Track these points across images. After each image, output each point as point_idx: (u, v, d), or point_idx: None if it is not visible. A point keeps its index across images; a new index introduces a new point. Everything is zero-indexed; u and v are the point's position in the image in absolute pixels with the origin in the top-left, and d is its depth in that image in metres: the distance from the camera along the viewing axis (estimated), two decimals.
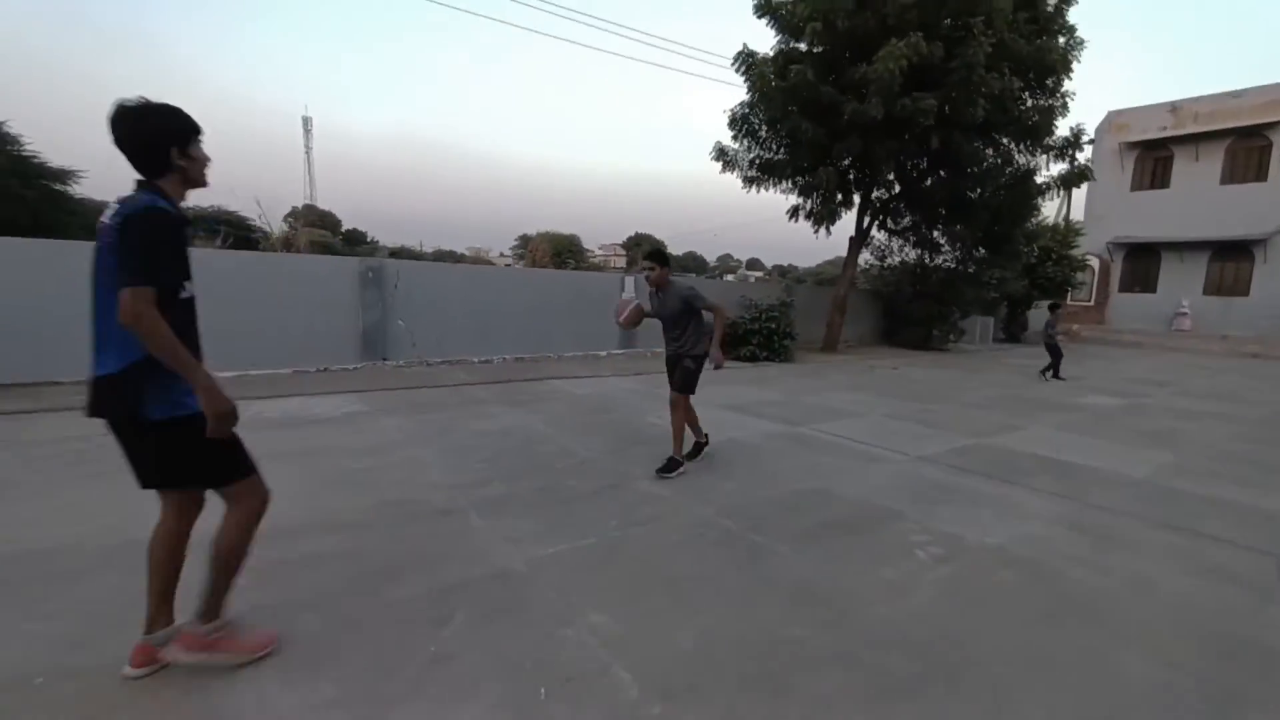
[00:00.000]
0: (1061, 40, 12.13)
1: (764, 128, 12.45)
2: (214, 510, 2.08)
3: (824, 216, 13.12)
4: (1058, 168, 13.25)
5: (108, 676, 1.97)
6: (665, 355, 4.54)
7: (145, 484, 1.99)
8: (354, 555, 2.90)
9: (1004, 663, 2.23)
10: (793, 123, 11.33)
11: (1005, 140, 12.64)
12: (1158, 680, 2.17)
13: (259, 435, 4.99)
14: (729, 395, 7.62)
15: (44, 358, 6.62)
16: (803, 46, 11.87)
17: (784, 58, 11.67)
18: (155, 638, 2.00)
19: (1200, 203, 21.60)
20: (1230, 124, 20.69)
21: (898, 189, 13.78)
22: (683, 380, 4.33)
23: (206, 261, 8.30)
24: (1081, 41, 12.20)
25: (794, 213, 13.67)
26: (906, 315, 15.39)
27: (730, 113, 12.52)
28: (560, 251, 35.25)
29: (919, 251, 15.22)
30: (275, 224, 20.48)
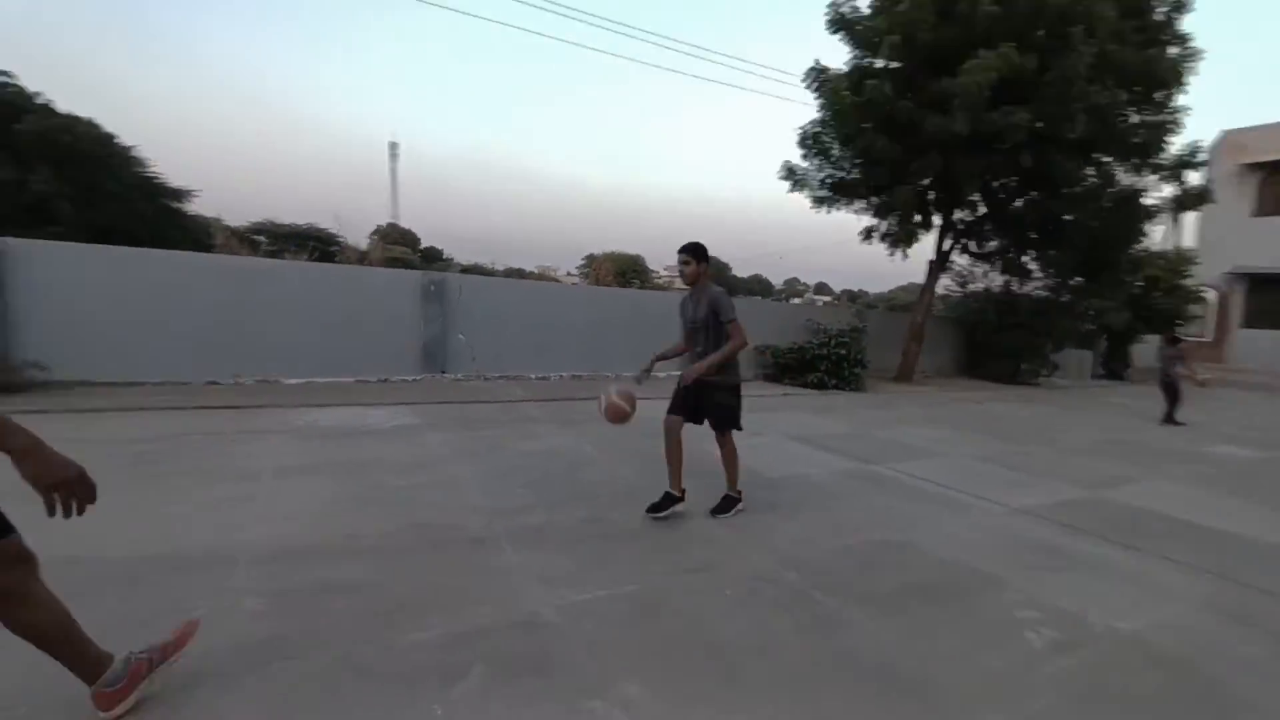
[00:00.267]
0: (1173, 51, 11.04)
1: (836, 145, 11.91)
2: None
3: (901, 238, 12.35)
4: (1168, 189, 12.01)
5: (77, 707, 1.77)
6: (682, 371, 3.77)
7: None
8: (375, 586, 2.65)
9: None
10: (867, 140, 10.76)
11: (1107, 159, 11.57)
12: None
13: (310, 444, 4.94)
14: (793, 424, 7.09)
15: (128, 359, 6.93)
16: (879, 62, 11.32)
17: (859, 73, 11.16)
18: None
19: None
20: None
21: (983, 210, 12.84)
22: (721, 417, 3.76)
23: (280, 272, 8.60)
24: (1196, 52, 11.06)
25: (868, 234, 12.98)
26: (991, 346, 14.24)
27: (800, 131, 12.08)
28: (624, 271, 35.43)
29: (1006, 278, 14.12)
30: (360, 241, 21.52)
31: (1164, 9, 11.10)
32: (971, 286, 14.97)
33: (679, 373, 3.84)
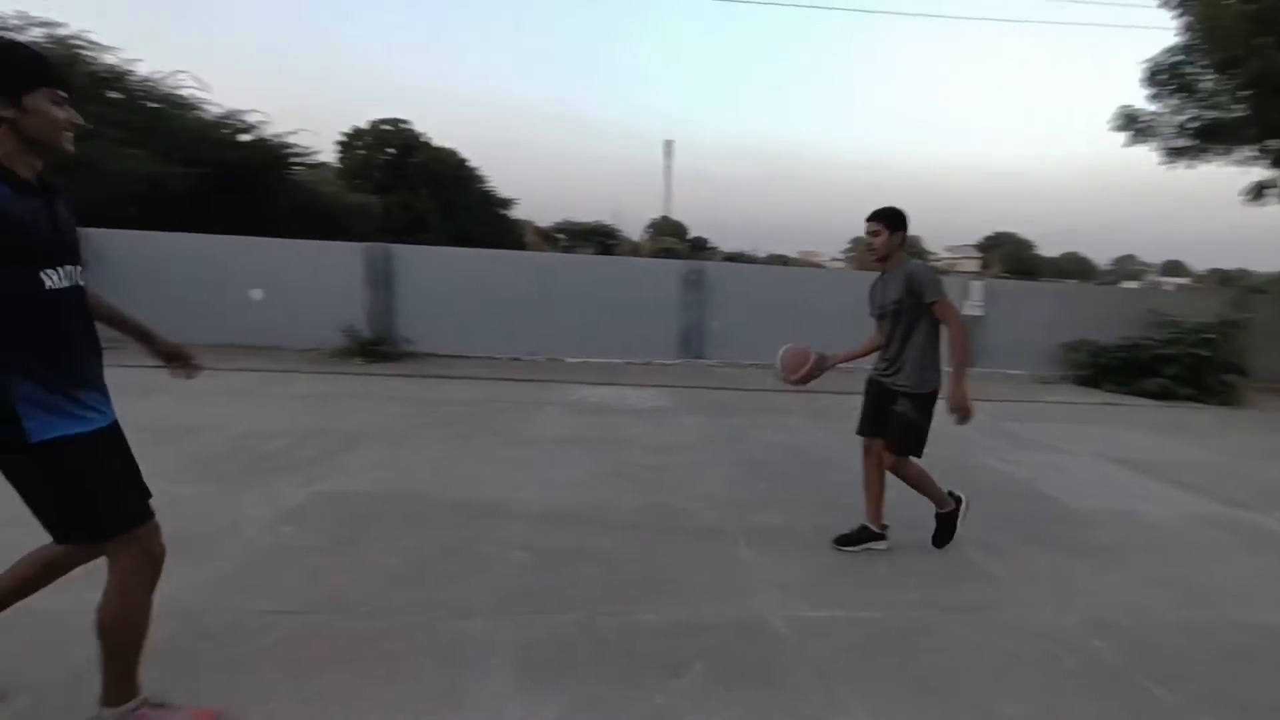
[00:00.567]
0: None
1: (1208, 76, 8.91)
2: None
3: None
4: None
5: (394, 616, 2.22)
6: (869, 375, 3.09)
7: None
8: (618, 560, 2.83)
9: None
10: (1266, 61, 7.78)
11: None
12: None
13: (579, 418, 5.57)
14: (1117, 443, 5.58)
15: (461, 337, 8.72)
16: None
17: None
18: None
19: None
20: None
21: None
22: (902, 435, 2.85)
23: (567, 265, 9.86)
24: None
25: (1258, 191, 9.51)
26: None
27: (1149, 65, 9.32)
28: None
29: None
30: (636, 234, 23.84)
31: None
32: None
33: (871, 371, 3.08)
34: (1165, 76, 9.26)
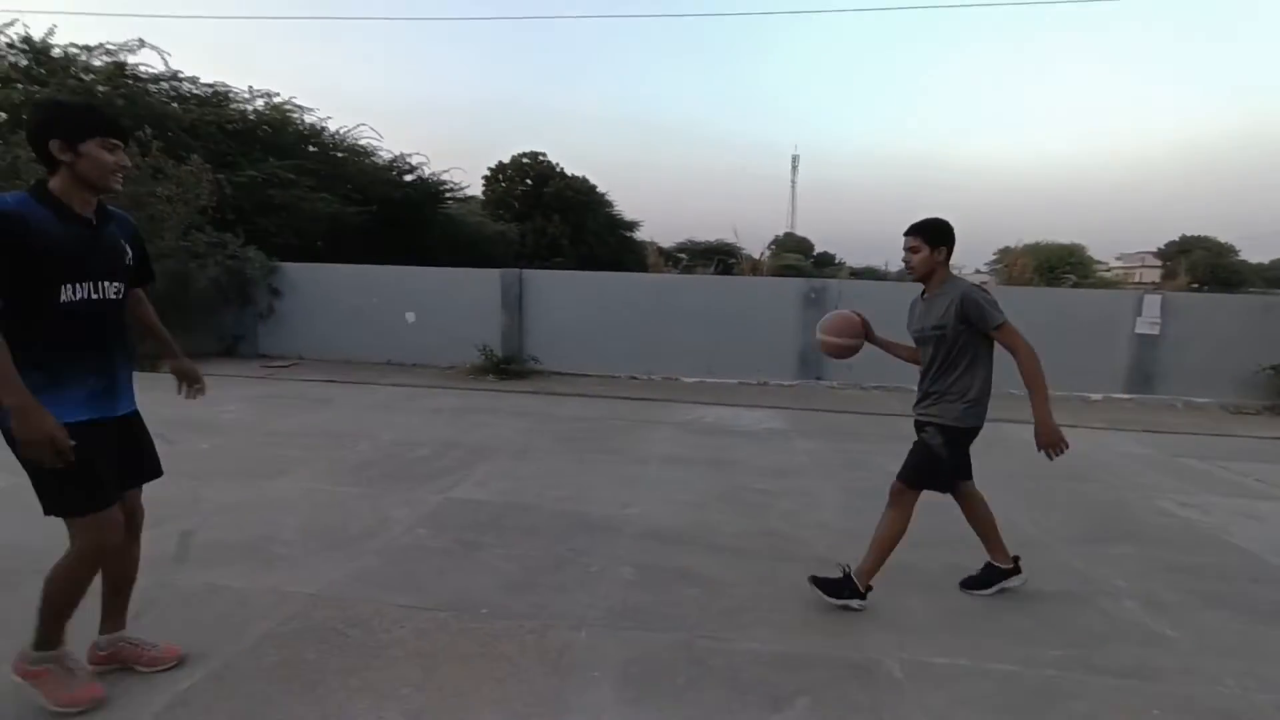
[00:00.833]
0: None
1: None
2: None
3: None
4: None
5: (510, 620, 2.38)
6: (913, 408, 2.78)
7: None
8: (722, 584, 2.82)
9: None
10: None
11: None
12: None
13: (691, 438, 5.60)
14: None
15: (583, 356, 9.13)
16: None
17: None
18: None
19: None
20: None
21: None
22: (916, 461, 2.60)
23: (686, 285, 9.99)
24: None
25: None
26: None
27: None
28: (1053, 265, 28.90)
29: None
30: (758, 251, 23.65)
31: None
32: None
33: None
34: None
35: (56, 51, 11.53)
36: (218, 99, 12.92)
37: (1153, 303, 8.34)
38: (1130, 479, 4.71)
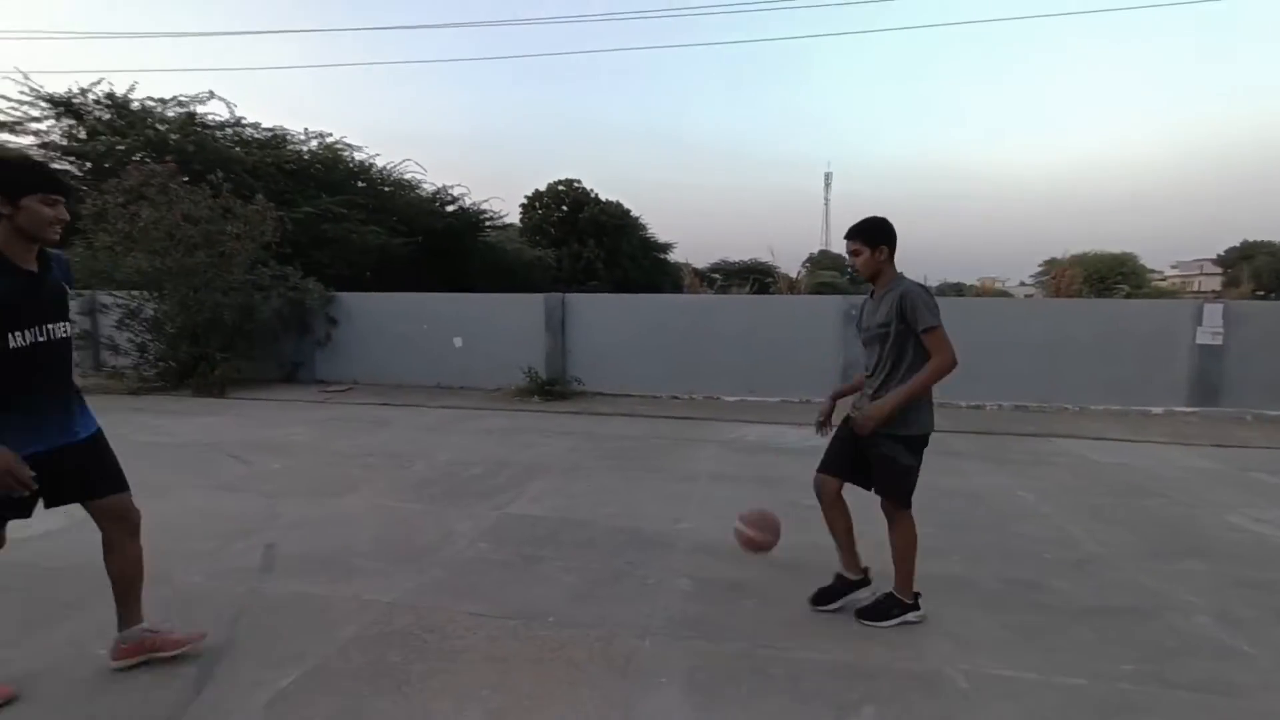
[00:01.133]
0: None
1: None
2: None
3: None
4: None
5: (575, 628, 2.48)
6: (849, 411, 2.74)
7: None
8: (779, 596, 2.87)
9: None
10: None
11: None
12: None
13: (736, 456, 5.64)
14: None
15: (624, 376, 9.27)
16: None
17: None
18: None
19: None
20: None
21: None
22: (896, 482, 2.54)
23: (722, 305, 10.08)
24: None
25: None
26: None
27: None
28: (1103, 275, 27.95)
29: None
30: (793, 269, 23.65)
31: None
32: None
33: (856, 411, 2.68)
34: None
35: (135, 105, 12.53)
36: (276, 141, 13.79)
37: (1214, 312, 8.03)
38: (1198, 494, 4.55)
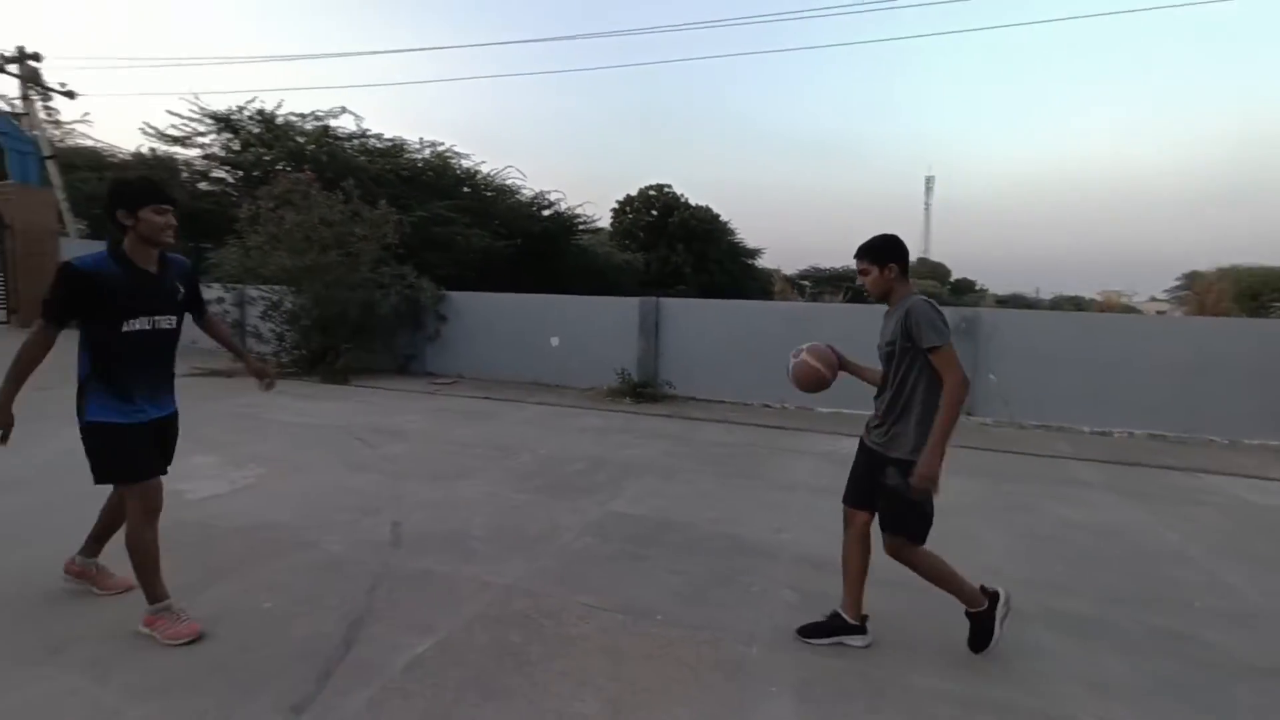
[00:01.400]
0: None
1: None
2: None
3: None
4: None
5: (684, 629, 2.53)
6: (865, 428, 2.60)
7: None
8: (891, 617, 2.77)
9: None
10: None
11: None
12: None
13: (833, 469, 5.48)
14: None
15: (716, 382, 9.26)
16: None
17: None
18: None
19: None
20: None
21: None
22: (899, 513, 2.38)
23: (815, 313, 9.82)
24: None
25: None
26: None
27: None
28: (1256, 292, 24.67)
29: None
30: None
31: None
32: None
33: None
34: None
35: (280, 120, 13.97)
36: (395, 150, 14.91)
37: None
38: None
